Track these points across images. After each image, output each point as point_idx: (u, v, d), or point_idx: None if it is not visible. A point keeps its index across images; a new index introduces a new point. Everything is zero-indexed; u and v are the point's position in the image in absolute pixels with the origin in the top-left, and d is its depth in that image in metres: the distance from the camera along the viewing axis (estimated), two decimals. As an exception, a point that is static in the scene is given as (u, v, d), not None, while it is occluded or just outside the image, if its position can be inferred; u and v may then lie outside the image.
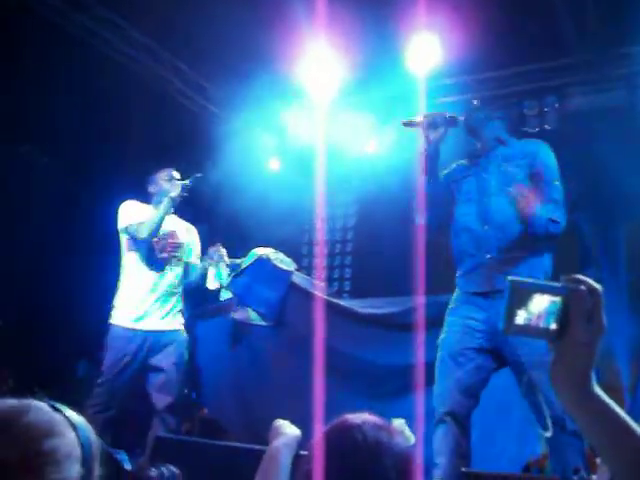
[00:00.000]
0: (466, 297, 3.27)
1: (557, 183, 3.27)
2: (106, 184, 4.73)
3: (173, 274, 4.34)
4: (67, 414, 1.14)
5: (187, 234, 4.51)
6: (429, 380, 3.26)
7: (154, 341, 4.20)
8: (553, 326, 1.03)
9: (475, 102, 3.59)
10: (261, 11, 5.04)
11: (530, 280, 1.05)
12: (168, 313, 4.29)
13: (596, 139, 5.38)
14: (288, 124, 6.41)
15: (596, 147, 5.34)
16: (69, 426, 1.12)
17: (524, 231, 3.20)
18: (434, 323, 3.46)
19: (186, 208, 4.93)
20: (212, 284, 4.40)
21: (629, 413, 1.04)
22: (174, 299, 4.35)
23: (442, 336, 3.26)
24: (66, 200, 4.71)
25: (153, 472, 2.10)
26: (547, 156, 3.34)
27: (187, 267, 4.45)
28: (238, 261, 4.72)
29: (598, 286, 1.04)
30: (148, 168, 4.51)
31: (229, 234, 6.24)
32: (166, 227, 4.35)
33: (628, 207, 5.05)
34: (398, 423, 1.42)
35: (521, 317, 1.03)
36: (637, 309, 3.83)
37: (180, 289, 4.39)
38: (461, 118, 3.36)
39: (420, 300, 3.82)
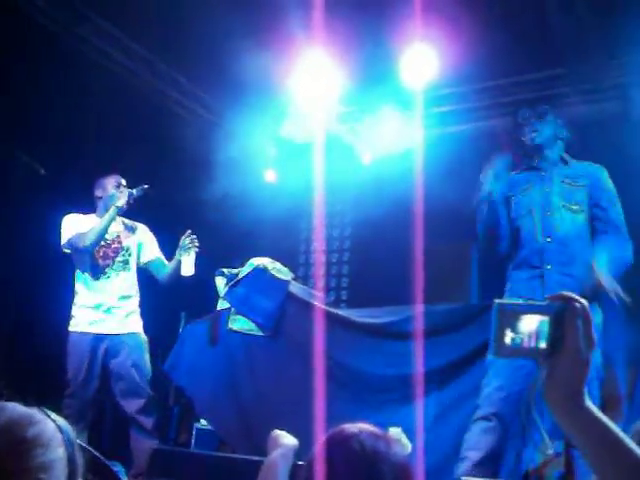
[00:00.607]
0: None
1: (619, 208, 3.47)
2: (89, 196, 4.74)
3: (122, 278, 4.36)
4: (41, 408, 1.19)
5: (135, 234, 4.53)
6: (428, 389, 3.27)
7: (110, 344, 4.25)
8: (542, 345, 1.04)
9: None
10: (258, 22, 5.05)
11: (516, 301, 1.07)
12: (125, 317, 4.31)
13: (590, 149, 5.40)
14: (285, 134, 6.42)
15: (590, 156, 5.36)
16: (46, 416, 1.18)
17: (584, 247, 3.34)
18: (432, 332, 3.47)
19: (187, 219, 4.95)
20: (186, 270, 4.39)
21: (627, 421, 1.05)
22: (129, 302, 4.37)
23: None
24: (61, 212, 4.70)
25: None
26: (608, 181, 3.55)
27: (155, 264, 4.52)
28: (235, 271, 4.73)
29: (585, 302, 1.06)
30: (98, 172, 4.56)
31: (226, 244, 6.23)
32: (110, 232, 4.37)
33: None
34: (394, 432, 1.42)
35: (510, 339, 1.04)
36: (633, 316, 3.84)
37: (136, 291, 4.41)
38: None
39: (418, 309, 3.83)
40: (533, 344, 1.04)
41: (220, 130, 6.28)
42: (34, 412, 1.17)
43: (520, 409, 3.16)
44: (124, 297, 4.34)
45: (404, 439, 1.44)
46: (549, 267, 3.32)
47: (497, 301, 1.06)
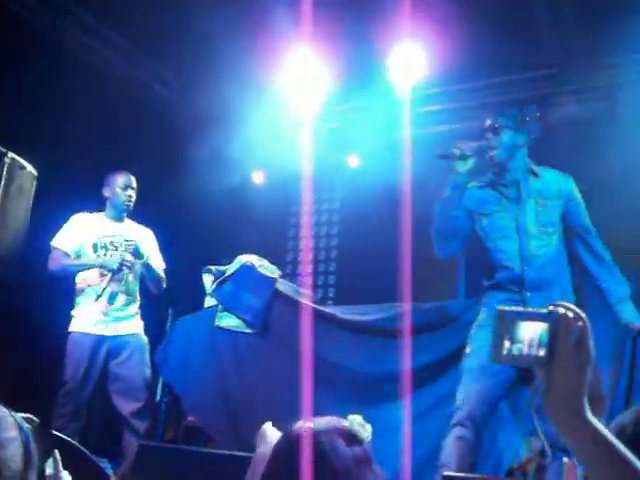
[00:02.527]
0: None
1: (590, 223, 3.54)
2: (80, 193, 4.69)
3: (125, 280, 4.29)
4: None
5: (143, 239, 4.45)
6: (415, 386, 3.30)
7: (112, 346, 4.20)
8: (541, 353, 1.04)
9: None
10: (244, 18, 5.04)
11: (517, 308, 1.06)
12: (125, 318, 4.28)
13: (578, 149, 5.43)
14: (272, 131, 6.41)
15: (578, 157, 5.39)
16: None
17: (559, 270, 3.42)
18: (419, 329, 3.50)
19: (168, 218, 4.91)
20: None
21: (609, 418, 1.05)
22: (132, 304, 4.33)
23: (472, 347, 3.32)
24: (40, 209, 4.66)
25: None
26: (577, 192, 3.57)
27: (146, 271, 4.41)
28: (222, 268, 4.73)
29: (582, 313, 1.05)
30: (106, 171, 4.49)
31: (214, 241, 6.23)
32: (118, 235, 4.31)
33: (609, 215, 5.09)
34: (354, 419, 1.45)
35: (509, 346, 1.03)
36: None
37: (137, 294, 4.37)
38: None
39: (405, 307, 3.85)
40: (532, 352, 1.03)
41: (206, 126, 6.26)
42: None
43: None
44: (127, 300, 4.31)
45: (362, 426, 1.45)
46: (529, 294, 3.34)
47: (498, 307, 1.05)
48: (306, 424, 1.42)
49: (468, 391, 3.24)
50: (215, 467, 2.77)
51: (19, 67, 4.75)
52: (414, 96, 5.49)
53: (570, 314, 1.04)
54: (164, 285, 4.48)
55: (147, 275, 4.37)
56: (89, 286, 4.23)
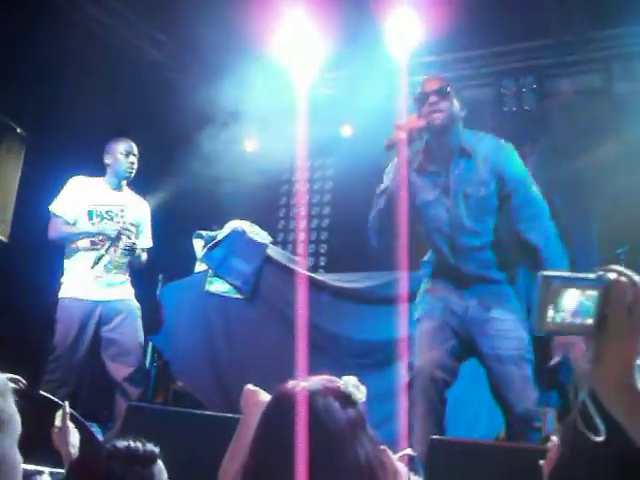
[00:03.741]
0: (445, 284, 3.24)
1: (534, 189, 3.13)
2: (70, 154, 4.65)
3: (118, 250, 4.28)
4: None
5: (137, 211, 4.44)
6: (408, 353, 3.28)
7: (104, 311, 4.19)
8: (589, 321, 0.97)
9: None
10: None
11: (563, 273, 0.98)
12: (117, 284, 4.27)
13: (573, 120, 5.41)
14: (266, 99, 6.35)
15: (573, 128, 5.37)
16: None
17: (493, 258, 3.17)
18: (411, 297, 3.48)
19: (159, 183, 4.90)
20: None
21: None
22: (123, 271, 4.31)
23: (421, 313, 3.24)
24: (34, 174, 4.62)
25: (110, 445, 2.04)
26: (515, 164, 3.14)
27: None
28: (213, 233, 4.71)
29: (637, 278, 0.97)
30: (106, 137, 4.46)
31: (205, 208, 6.20)
32: (114, 204, 4.30)
33: (603, 187, 5.09)
34: (348, 380, 1.43)
35: (555, 314, 0.97)
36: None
37: (128, 261, 4.36)
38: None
39: (398, 275, 3.84)
40: (579, 320, 0.97)
41: (198, 91, 6.20)
42: None
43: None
44: (120, 265, 4.29)
45: (356, 387, 1.44)
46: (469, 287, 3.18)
47: (543, 273, 0.97)
48: (300, 384, 1.40)
49: (425, 357, 3.10)
50: (204, 428, 2.77)
51: (8, 28, 4.68)
52: (409, 65, 5.43)
53: (623, 279, 0.97)
54: (144, 264, 4.45)
55: (132, 259, 4.36)
56: (78, 250, 4.21)
